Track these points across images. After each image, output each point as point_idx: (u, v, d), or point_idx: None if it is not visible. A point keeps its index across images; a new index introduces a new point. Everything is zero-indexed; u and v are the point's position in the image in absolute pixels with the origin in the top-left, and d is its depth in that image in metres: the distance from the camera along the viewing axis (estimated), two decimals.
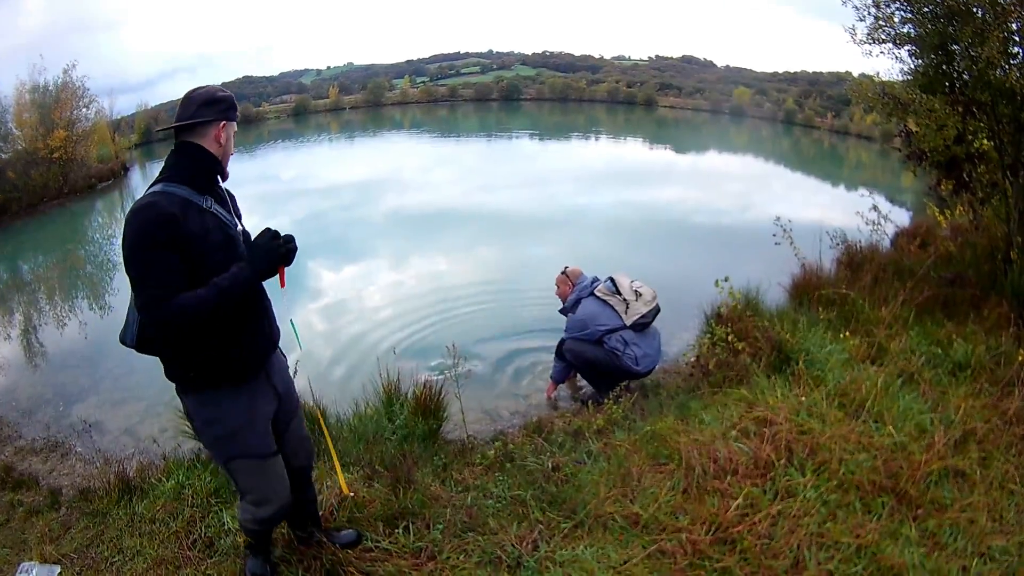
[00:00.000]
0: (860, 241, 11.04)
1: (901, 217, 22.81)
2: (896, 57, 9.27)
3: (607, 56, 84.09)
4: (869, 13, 9.05)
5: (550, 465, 5.77)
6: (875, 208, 11.17)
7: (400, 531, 5.02)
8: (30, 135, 28.63)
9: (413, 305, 11.90)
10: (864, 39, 9.16)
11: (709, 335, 8.19)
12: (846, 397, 6.24)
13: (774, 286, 9.76)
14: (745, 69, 74.69)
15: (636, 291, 7.74)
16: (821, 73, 68.68)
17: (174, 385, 3.69)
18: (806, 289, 9.45)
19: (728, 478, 5.14)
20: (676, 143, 48.74)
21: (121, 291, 13.91)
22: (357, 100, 73.33)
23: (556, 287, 8.49)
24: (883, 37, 9.06)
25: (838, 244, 11.05)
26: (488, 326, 10.69)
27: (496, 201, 22.83)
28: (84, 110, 31.48)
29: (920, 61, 9.01)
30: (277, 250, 3.41)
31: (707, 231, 17.62)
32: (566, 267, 8.45)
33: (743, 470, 5.23)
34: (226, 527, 5.38)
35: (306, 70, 79.82)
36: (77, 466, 7.74)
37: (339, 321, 11.66)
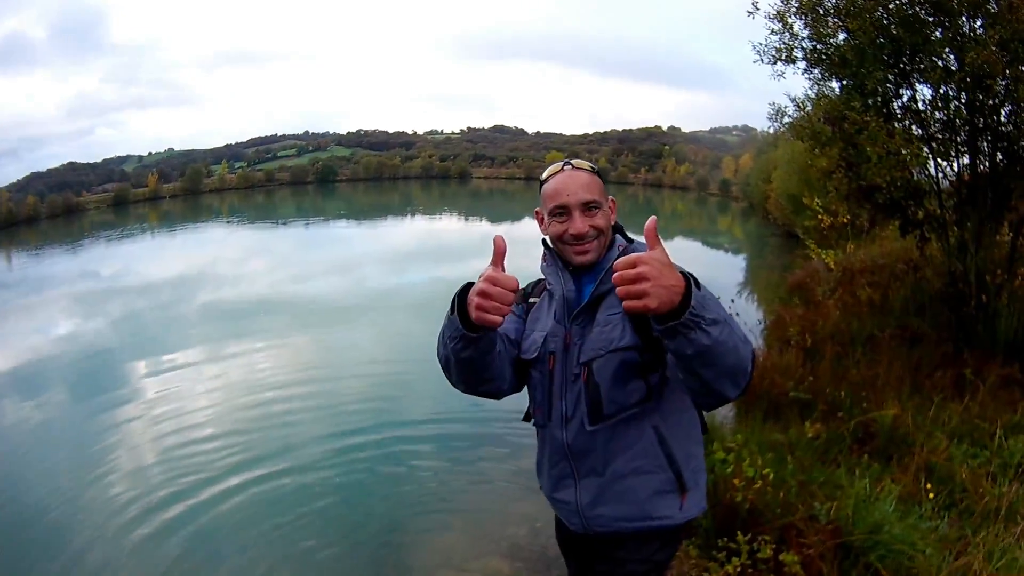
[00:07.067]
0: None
1: (737, 265, 22.45)
2: (813, 78, 8.14)
3: (420, 131, 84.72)
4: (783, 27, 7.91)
5: None
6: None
7: None
8: None
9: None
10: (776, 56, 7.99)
11: (718, 558, 4.02)
12: None
13: None
14: (555, 134, 76.54)
15: None
16: (631, 130, 70.56)
17: None
18: (763, 392, 6.67)
19: None
20: (491, 214, 48.83)
21: None
22: (175, 188, 72.48)
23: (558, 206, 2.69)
24: (797, 56, 7.91)
25: (732, 312, 7.56)
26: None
27: (306, 291, 21.53)
28: None
29: (846, 81, 7.84)
30: None
31: None
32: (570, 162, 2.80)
33: None
34: None
35: (128, 156, 78.64)
36: None
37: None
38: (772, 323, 9.94)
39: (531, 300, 2.87)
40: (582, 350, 2.56)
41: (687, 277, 1.98)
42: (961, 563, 3.58)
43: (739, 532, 4.01)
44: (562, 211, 2.56)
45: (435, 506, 6.71)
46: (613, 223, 2.66)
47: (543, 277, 2.81)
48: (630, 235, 2.68)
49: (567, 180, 2.58)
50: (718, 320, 2.02)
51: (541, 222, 2.71)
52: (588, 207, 2.54)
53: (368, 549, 6.11)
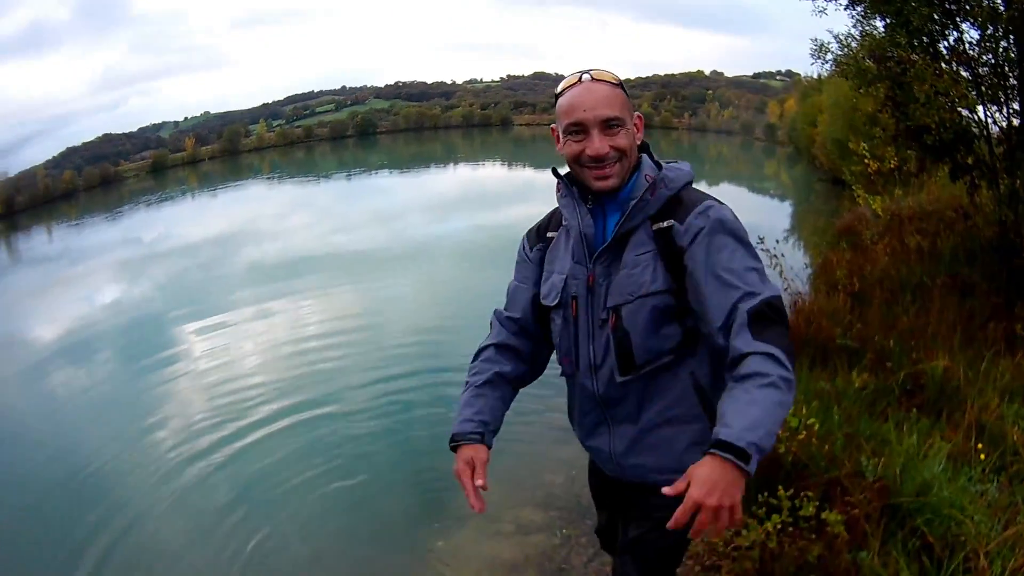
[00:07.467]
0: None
1: (784, 211, 22.15)
2: (856, 16, 7.91)
3: (459, 80, 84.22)
4: None
5: None
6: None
7: None
8: None
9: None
10: None
11: (758, 515, 3.78)
12: None
13: None
14: None
15: None
16: (673, 75, 69.71)
17: None
18: (810, 338, 6.42)
19: None
20: (534, 160, 48.60)
21: None
22: (214, 150, 72.08)
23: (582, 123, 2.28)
24: None
25: (776, 256, 7.62)
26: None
27: (350, 242, 21.61)
28: None
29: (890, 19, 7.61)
30: None
31: None
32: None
33: None
34: None
35: (163, 123, 78.35)
36: None
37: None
38: (819, 266, 9.77)
39: (549, 235, 2.62)
40: (608, 293, 2.33)
41: (739, 455, 1.80)
42: (1011, 532, 3.32)
43: (781, 487, 3.80)
44: (578, 128, 2.28)
45: None
46: (639, 142, 2.39)
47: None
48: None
49: (584, 93, 2.29)
50: (773, 440, 1.91)
51: (557, 140, 2.40)
52: (608, 124, 2.26)
53: (403, 491, 6.25)
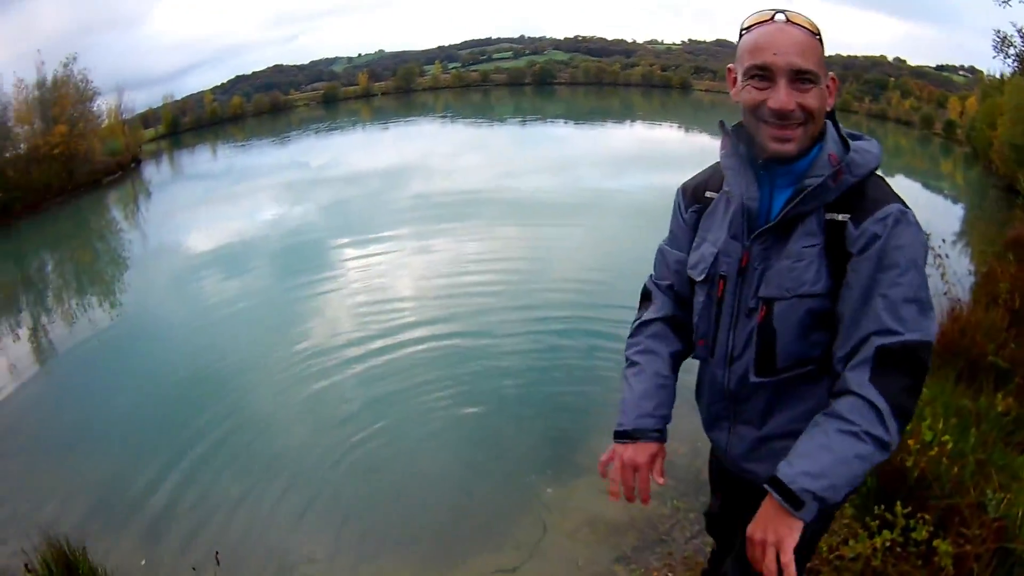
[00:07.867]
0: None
1: (954, 213, 21.30)
2: None
3: (639, 40, 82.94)
4: None
5: None
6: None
7: None
8: (30, 132, 27.15)
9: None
10: None
11: (871, 527, 3.72)
12: None
13: None
14: None
15: None
16: (856, 57, 67.21)
17: None
18: (962, 350, 6.00)
19: None
20: (712, 127, 47.94)
21: None
22: (387, 86, 72.06)
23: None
24: None
25: (940, 256, 7.21)
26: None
27: (519, 185, 21.68)
28: (88, 104, 30.40)
29: None
30: None
31: None
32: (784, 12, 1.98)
33: None
34: None
35: (336, 58, 79.03)
36: None
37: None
38: (983, 276, 9.27)
39: (707, 195, 2.29)
40: (764, 279, 2.03)
41: (791, 500, 1.74)
42: None
43: (899, 503, 3.58)
44: (763, 73, 1.90)
45: (604, 402, 6.55)
46: (829, 108, 2.00)
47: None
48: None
49: (776, 33, 1.90)
50: (841, 493, 1.81)
51: (733, 84, 2.04)
52: (800, 77, 1.88)
53: (526, 430, 6.42)
